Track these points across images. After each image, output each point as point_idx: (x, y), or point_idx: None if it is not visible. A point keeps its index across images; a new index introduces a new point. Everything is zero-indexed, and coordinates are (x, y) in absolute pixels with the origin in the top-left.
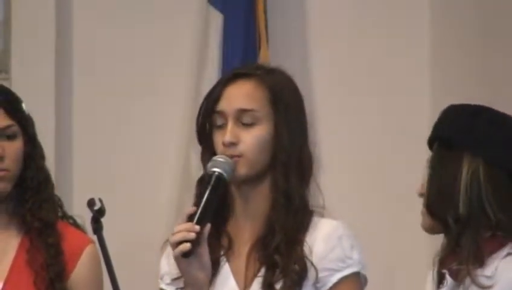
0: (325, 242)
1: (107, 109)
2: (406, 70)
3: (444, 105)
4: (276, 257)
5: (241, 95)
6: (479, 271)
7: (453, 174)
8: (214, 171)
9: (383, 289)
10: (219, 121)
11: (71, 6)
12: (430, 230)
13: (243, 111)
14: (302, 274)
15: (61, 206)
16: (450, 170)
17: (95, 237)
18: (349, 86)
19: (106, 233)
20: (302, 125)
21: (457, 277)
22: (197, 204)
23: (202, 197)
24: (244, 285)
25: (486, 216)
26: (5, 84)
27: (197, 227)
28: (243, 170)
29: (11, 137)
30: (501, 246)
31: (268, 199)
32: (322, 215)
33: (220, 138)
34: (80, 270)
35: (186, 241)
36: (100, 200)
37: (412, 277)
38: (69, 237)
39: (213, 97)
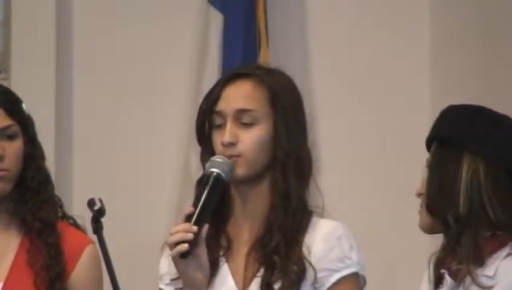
0: (324, 242)
1: (107, 109)
2: (406, 70)
3: (444, 105)
4: (275, 258)
5: (240, 95)
6: (479, 271)
7: (453, 174)
8: (212, 172)
9: (383, 289)
10: (218, 121)
11: (71, 6)
12: (428, 229)
13: (241, 111)
14: (301, 275)
15: (61, 207)
16: (450, 169)
17: (95, 237)
18: (349, 86)
19: (106, 233)
20: (301, 126)
21: (457, 277)
22: (195, 205)
23: (200, 198)
24: (243, 285)
25: (487, 215)
26: (5, 84)
27: (195, 228)
28: (241, 170)
29: (11, 137)
30: (501, 245)
31: (267, 199)
32: (321, 216)
33: (219, 138)
34: (80, 270)
35: (184, 242)
36: (100, 200)
37: (411, 277)
38: (69, 237)
39: (212, 97)
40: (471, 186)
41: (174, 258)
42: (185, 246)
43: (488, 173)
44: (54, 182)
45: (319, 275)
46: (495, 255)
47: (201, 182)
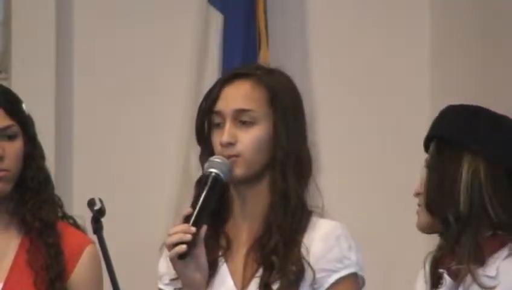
0: (323, 242)
1: (107, 109)
2: (406, 70)
3: (444, 105)
4: (273, 258)
5: (239, 95)
6: (480, 270)
7: (453, 173)
8: (211, 172)
9: (383, 289)
10: (217, 121)
11: (71, 6)
12: (426, 229)
13: (240, 111)
14: (299, 275)
15: (61, 206)
16: (450, 168)
17: (95, 237)
18: (349, 86)
19: (106, 233)
20: (300, 125)
21: (456, 277)
22: (193, 205)
23: (199, 199)
24: (241, 285)
25: (487, 215)
26: (5, 84)
27: (193, 229)
28: (240, 170)
29: (11, 137)
30: (501, 245)
31: (266, 199)
32: (321, 216)
33: (218, 138)
34: (80, 270)
35: (182, 243)
36: (100, 200)
37: (411, 277)
38: (69, 237)
39: (211, 97)
40: (472, 186)
41: (172, 260)
42: (183, 247)
43: (489, 173)
44: (54, 182)
45: (317, 275)
46: (495, 255)
47: (200, 183)
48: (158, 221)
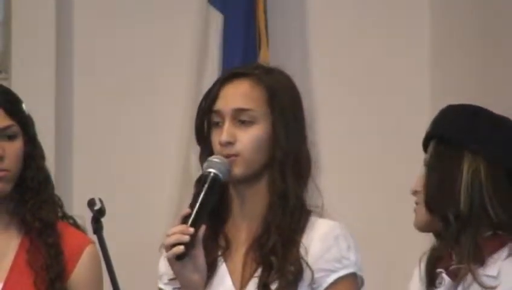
0: (322, 242)
1: (107, 109)
2: (406, 70)
3: (444, 105)
4: (272, 258)
5: (238, 95)
6: (480, 270)
7: (453, 173)
8: (210, 172)
9: (382, 288)
10: (216, 120)
11: (71, 6)
12: (424, 227)
13: (239, 110)
14: (298, 275)
15: (61, 206)
16: (450, 168)
17: (95, 237)
18: (349, 86)
19: (106, 233)
20: (300, 125)
21: (456, 277)
22: (192, 206)
23: (197, 199)
24: (240, 285)
25: (487, 215)
26: (5, 84)
27: (191, 229)
28: (239, 170)
29: (11, 137)
30: (501, 245)
31: (265, 198)
32: (320, 216)
33: (217, 138)
34: (80, 270)
35: (180, 243)
36: (100, 200)
37: (411, 277)
38: (69, 237)
39: (210, 96)
40: (472, 185)
41: (170, 260)
42: (181, 248)
43: (489, 173)
44: (54, 182)
45: (316, 275)
46: (495, 255)
47: (199, 183)
48: (158, 221)
